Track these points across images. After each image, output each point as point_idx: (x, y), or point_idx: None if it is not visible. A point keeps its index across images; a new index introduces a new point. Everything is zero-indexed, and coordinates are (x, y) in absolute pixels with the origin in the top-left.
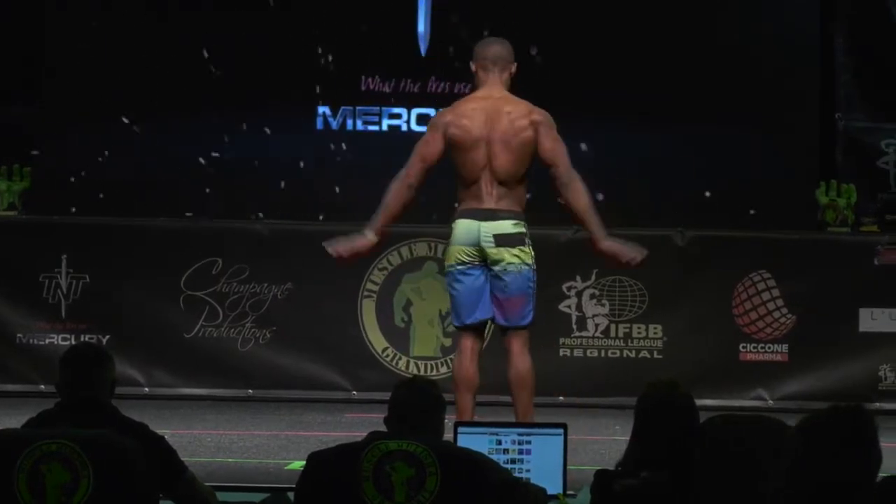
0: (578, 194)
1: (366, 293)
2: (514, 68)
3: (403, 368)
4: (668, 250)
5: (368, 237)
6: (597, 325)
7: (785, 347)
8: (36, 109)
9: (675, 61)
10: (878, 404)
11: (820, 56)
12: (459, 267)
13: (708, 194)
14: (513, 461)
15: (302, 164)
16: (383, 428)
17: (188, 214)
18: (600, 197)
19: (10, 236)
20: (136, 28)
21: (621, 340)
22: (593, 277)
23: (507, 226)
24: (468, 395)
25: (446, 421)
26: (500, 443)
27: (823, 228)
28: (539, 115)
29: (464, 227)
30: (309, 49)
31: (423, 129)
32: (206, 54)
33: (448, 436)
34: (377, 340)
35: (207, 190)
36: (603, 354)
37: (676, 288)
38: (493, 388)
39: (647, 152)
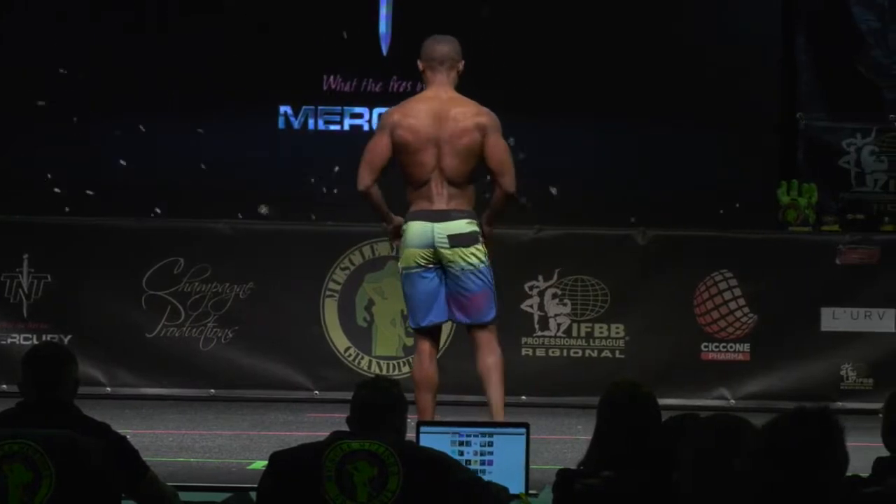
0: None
1: (328, 293)
2: (461, 66)
3: (366, 368)
4: (630, 250)
5: (396, 222)
6: (559, 325)
7: (747, 347)
8: None
9: (635, 60)
10: (840, 403)
11: (782, 55)
12: (415, 270)
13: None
14: (475, 461)
15: (263, 163)
16: (346, 428)
17: (150, 214)
18: (553, 192)
19: None
20: (94, 27)
21: (583, 340)
22: (555, 277)
23: (460, 225)
24: (428, 395)
25: (409, 421)
26: (462, 442)
27: (785, 228)
28: (486, 117)
29: (417, 230)
30: (270, 48)
31: None
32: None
33: (410, 435)
34: (339, 340)
35: (174, 188)
36: (565, 354)
37: (638, 288)
38: (455, 388)
39: (608, 152)
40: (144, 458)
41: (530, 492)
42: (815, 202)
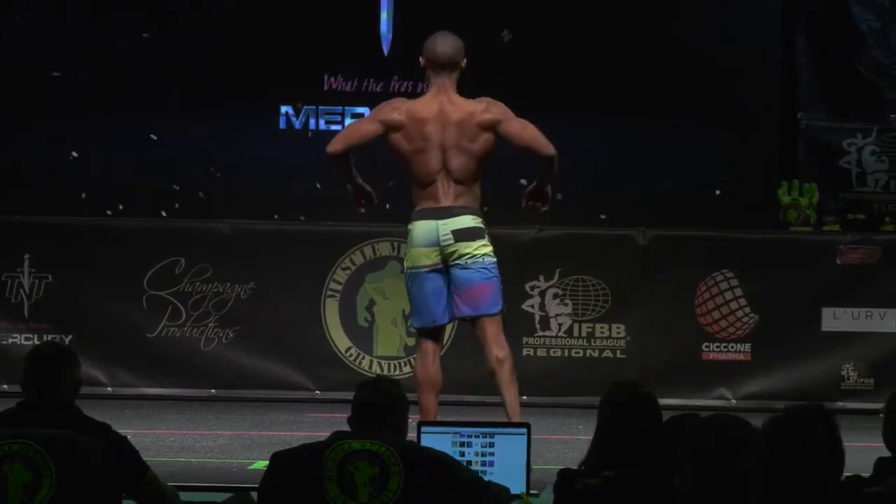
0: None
1: (329, 293)
2: (464, 64)
3: (367, 368)
4: (630, 250)
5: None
6: (560, 325)
7: (747, 347)
8: None
9: (635, 60)
10: (840, 403)
11: (782, 55)
12: (421, 270)
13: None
14: (476, 461)
15: (264, 164)
16: (347, 428)
17: (151, 215)
18: (559, 197)
19: None
20: (93, 27)
21: (584, 340)
22: (556, 277)
23: (465, 220)
24: (431, 396)
25: (410, 421)
26: (463, 443)
27: (785, 228)
28: (491, 112)
29: (422, 229)
30: (271, 48)
31: None
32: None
33: (411, 435)
34: (340, 340)
35: (176, 188)
36: (566, 354)
37: (639, 288)
38: (455, 388)
39: (608, 152)
40: (145, 459)
41: (531, 492)
42: (816, 202)
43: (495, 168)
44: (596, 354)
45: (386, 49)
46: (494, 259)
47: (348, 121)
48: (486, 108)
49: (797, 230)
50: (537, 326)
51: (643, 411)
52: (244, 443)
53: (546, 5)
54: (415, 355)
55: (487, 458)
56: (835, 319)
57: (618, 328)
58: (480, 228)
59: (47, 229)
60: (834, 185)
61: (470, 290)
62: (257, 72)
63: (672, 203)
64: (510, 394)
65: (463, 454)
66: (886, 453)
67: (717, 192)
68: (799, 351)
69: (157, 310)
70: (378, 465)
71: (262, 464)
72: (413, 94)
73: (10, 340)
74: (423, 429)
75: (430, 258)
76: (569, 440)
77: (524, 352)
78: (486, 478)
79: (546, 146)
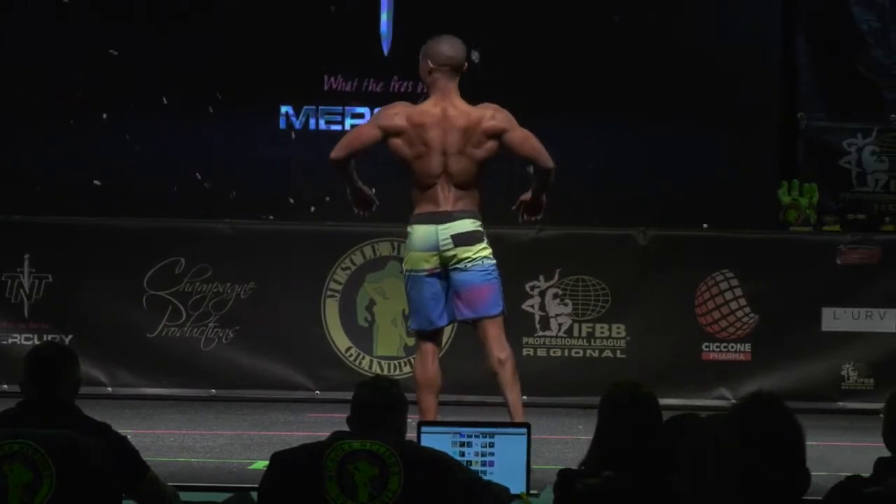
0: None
1: (329, 293)
2: (465, 67)
3: (367, 368)
4: (630, 250)
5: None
6: (560, 325)
7: (748, 347)
8: None
9: (635, 60)
10: (840, 403)
11: (782, 55)
12: (420, 273)
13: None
14: (476, 461)
15: (264, 164)
16: (346, 428)
17: (153, 214)
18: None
19: None
20: (93, 27)
21: (584, 340)
22: (556, 277)
23: (465, 224)
24: (431, 396)
25: (410, 421)
26: (463, 443)
27: (785, 228)
28: (495, 119)
29: (421, 233)
30: (271, 48)
31: None
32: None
33: (411, 435)
34: (340, 340)
35: (175, 188)
36: (566, 354)
37: (639, 288)
38: (455, 388)
39: (608, 152)
40: (145, 459)
41: (531, 492)
42: (816, 202)
43: (496, 168)
44: (596, 354)
45: (386, 49)
46: (494, 261)
47: (348, 121)
48: (493, 116)
49: (797, 230)
50: (537, 326)
51: (643, 411)
52: (244, 443)
53: (546, 5)
54: (415, 355)
55: (487, 458)
56: (835, 319)
57: (618, 328)
58: (480, 232)
59: (47, 229)
60: (834, 185)
61: (470, 293)
62: (257, 72)
63: (672, 203)
64: (513, 394)
65: (463, 454)
66: (886, 453)
67: (723, 207)
68: (799, 351)
69: (158, 310)
70: (378, 465)
71: (262, 464)
72: (413, 95)
73: (10, 340)
74: (423, 429)
75: (430, 262)
76: (569, 440)
77: (524, 352)
78: (486, 478)
79: (547, 159)
